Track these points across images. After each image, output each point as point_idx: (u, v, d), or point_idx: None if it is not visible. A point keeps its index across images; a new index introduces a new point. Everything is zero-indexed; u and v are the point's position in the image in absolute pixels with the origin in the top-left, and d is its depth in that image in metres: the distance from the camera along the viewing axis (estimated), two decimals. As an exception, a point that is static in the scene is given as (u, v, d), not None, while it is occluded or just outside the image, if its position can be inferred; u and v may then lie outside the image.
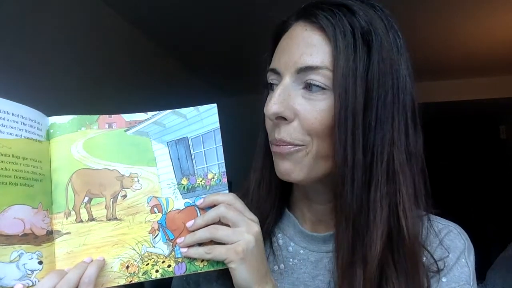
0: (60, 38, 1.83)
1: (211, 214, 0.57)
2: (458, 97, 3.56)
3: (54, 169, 0.55)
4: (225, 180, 0.60)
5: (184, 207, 0.59)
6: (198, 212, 0.59)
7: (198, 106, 0.62)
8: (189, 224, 0.57)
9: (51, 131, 0.56)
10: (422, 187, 0.59)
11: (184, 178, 0.59)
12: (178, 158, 0.60)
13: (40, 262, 0.50)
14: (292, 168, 0.58)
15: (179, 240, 0.57)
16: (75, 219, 0.55)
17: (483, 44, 2.80)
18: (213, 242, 0.57)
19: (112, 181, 0.57)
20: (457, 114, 3.84)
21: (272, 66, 0.60)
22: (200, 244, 0.57)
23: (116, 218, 0.56)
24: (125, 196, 0.57)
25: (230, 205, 0.57)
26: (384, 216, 0.55)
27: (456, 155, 4.02)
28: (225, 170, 0.60)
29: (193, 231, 0.57)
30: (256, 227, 0.57)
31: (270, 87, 0.61)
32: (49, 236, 0.52)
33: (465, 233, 0.63)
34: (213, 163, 0.60)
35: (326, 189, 0.62)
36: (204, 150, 0.60)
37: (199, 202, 0.58)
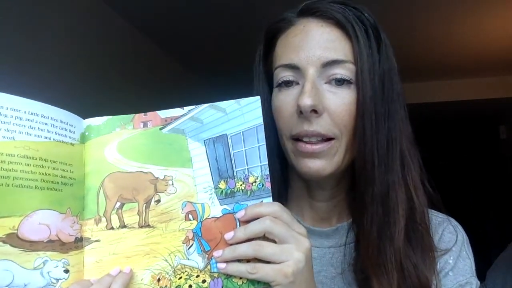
0: (60, 39, 1.85)
1: (255, 228, 0.49)
2: (458, 97, 3.64)
3: (88, 173, 0.52)
4: (268, 185, 0.51)
5: (221, 214, 0.51)
6: (237, 220, 0.51)
7: (240, 99, 0.54)
8: (228, 236, 0.50)
9: (86, 133, 0.53)
10: (424, 172, 0.63)
11: (222, 182, 0.52)
12: (216, 158, 0.53)
13: (66, 271, 0.48)
14: (324, 165, 0.58)
15: (216, 254, 0.50)
16: (106, 226, 0.51)
17: (483, 44, 2.84)
18: (255, 258, 0.49)
19: (146, 185, 0.52)
20: (457, 114, 3.91)
21: (286, 62, 0.59)
22: (240, 260, 0.49)
23: (148, 225, 0.51)
24: (158, 201, 0.52)
25: (276, 217, 0.49)
26: (403, 196, 0.58)
27: (456, 155, 4.06)
28: (268, 173, 0.52)
29: (232, 243, 0.50)
30: (306, 243, 0.49)
31: (283, 85, 0.60)
32: (78, 243, 0.50)
33: (460, 226, 0.67)
34: (255, 165, 0.52)
35: (330, 185, 0.63)
36: (245, 150, 0.52)
37: (239, 214, 0.50)
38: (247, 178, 0.52)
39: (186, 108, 0.54)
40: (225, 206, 0.51)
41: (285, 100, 0.59)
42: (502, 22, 2.50)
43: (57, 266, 0.47)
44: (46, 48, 1.79)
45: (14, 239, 0.45)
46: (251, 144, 0.52)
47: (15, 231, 0.45)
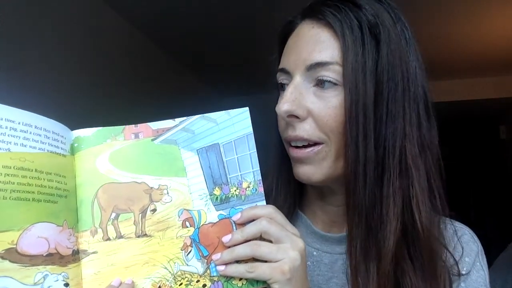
0: (60, 39, 1.82)
1: (252, 229, 0.51)
2: (458, 97, 3.57)
3: (79, 184, 0.52)
4: (261, 189, 0.55)
5: (217, 219, 0.54)
6: (234, 225, 0.53)
7: (229, 110, 0.57)
8: (225, 239, 0.52)
9: (76, 145, 0.53)
10: (437, 180, 0.58)
11: (216, 188, 0.54)
12: (209, 166, 0.55)
13: (67, 284, 0.47)
14: (313, 171, 0.57)
15: (214, 257, 0.52)
16: (102, 237, 0.51)
17: (483, 44, 2.78)
18: (253, 258, 0.51)
19: (141, 195, 0.53)
20: (457, 114, 3.84)
21: (281, 66, 0.60)
22: (238, 261, 0.52)
23: (145, 235, 0.52)
24: (154, 210, 0.53)
25: (271, 218, 0.52)
26: (398, 211, 0.54)
27: (456, 155, 4.01)
28: (261, 178, 0.55)
29: (229, 246, 0.52)
30: (300, 243, 0.52)
31: (281, 87, 0.60)
32: (75, 256, 0.49)
33: (476, 236, 0.63)
34: (247, 171, 0.55)
35: (342, 190, 0.59)
36: (237, 157, 0.55)
37: (235, 217, 0.53)
38: (240, 184, 0.55)
39: (177, 120, 0.56)
40: (221, 212, 0.54)
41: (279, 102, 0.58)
42: (502, 22, 2.46)
43: (57, 280, 0.46)
44: (46, 49, 1.70)
45: (13, 254, 0.43)
46: (243, 152, 0.55)
47: (14, 246, 0.43)
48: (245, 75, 3.15)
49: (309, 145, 0.57)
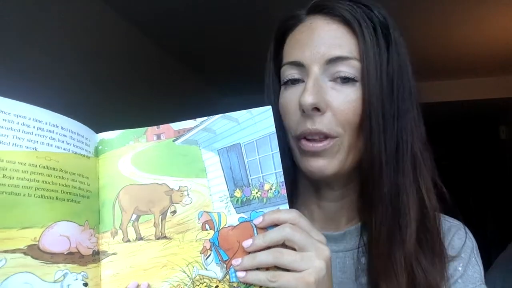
0: (60, 39, 1.85)
1: (275, 236, 0.49)
2: (457, 97, 3.62)
3: (102, 186, 0.52)
4: (284, 192, 0.52)
5: (238, 222, 0.52)
6: (254, 228, 0.51)
7: (251, 109, 0.55)
8: (246, 244, 0.50)
9: (100, 147, 0.54)
10: (436, 174, 0.62)
11: (237, 190, 0.52)
12: (230, 167, 0.53)
13: (86, 284, 0.47)
14: (326, 164, 0.58)
15: (235, 262, 0.49)
16: (122, 239, 0.51)
17: (482, 44, 2.80)
18: (275, 266, 0.48)
19: (161, 196, 0.52)
20: (457, 114, 3.91)
21: (293, 59, 0.59)
22: (258, 268, 0.49)
23: (165, 237, 0.51)
24: (174, 212, 0.52)
25: (295, 224, 0.49)
26: (415, 199, 0.58)
27: (456, 155, 4.04)
28: (283, 180, 0.52)
29: (250, 251, 0.49)
30: (326, 251, 0.49)
31: (289, 83, 0.60)
32: (95, 256, 0.49)
33: (470, 232, 0.66)
34: (269, 172, 0.52)
35: (340, 185, 0.63)
36: (259, 158, 0.53)
37: (257, 220, 0.50)
38: (262, 186, 0.52)
39: (198, 120, 0.55)
40: (242, 215, 0.52)
41: (290, 98, 0.59)
42: (502, 22, 2.48)
43: (76, 279, 0.46)
44: (46, 49, 1.77)
45: (35, 251, 0.44)
46: (265, 152, 0.53)
47: (36, 243, 0.45)
48: (245, 75, 3.12)
49: (323, 139, 0.57)
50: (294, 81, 0.59)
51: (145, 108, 2.26)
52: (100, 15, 2.18)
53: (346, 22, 0.57)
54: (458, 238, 0.64)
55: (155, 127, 0.55)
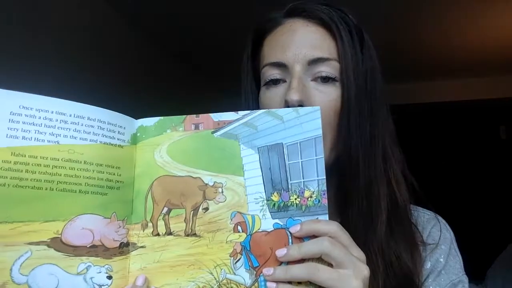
0: (60, 39, 1.83)
1: (312, 248, 0.45)
2: (457, 97, 3.59)
3: (138, 175, 0.50)
4: (325, 201, 0.48)
5: (272, 228, 0.48)
6: (290, 237, 0.47)
7: (298, 108, 0.51)
8: (279, 253, 0.46)
9: (138, 134, 0.51)
10: (404, 164, 0.65)
11: (275, 193, 0.49)
12: (270, 168, 0.49)
13: (110, 277, 0.46)
14: None
15: (266, 272, 0.46)
16: (152, 232, 0.49)
17: (482, 44, 2.78)
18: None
19: (194, 191, 0.50)
20: (456, 114, 3.87)
21: (273, 60, 0.60)
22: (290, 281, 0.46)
23: (195, 234, 0.49)
24: (206, 208, 0.49)
25: (334, 237, 0.45)
26: (385, 190, 0.60)
27: (456, 155, 4.01)
28: (325, 188, 0.48)
29: (283, 261, 0.46)
30: (365, 270, 0.45)
31: (271, 83, 0.61)
32: (123, 248, 0.47)
33: (447, 223, 0.67)
34: (311, 178, 0.48)
35: None
36: (302, 161, 0.49)
37: (294, 229, 0.47)
38: (302, 192, 0.48)
39: (241, 113, 0.51)
40: (277, 221, 0.48)
41: (272, 97, 0.60)
42: (502, 22, 2.45)
43: (100, 272, 0.45)
44: (46, 49, 1.77)
45: (58, 244, 0.44)
46: (308, 156, 0.49)
47: (59, 236, 0.44)
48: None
49: None
50: (276, 81, 0.60)
51: (145, 108, 2.25)
52: (100, 14, 2.16)
53: (324, 25, 0.59)
54: (437, 229, 0.65)
55: (194, 116, 0.52)
